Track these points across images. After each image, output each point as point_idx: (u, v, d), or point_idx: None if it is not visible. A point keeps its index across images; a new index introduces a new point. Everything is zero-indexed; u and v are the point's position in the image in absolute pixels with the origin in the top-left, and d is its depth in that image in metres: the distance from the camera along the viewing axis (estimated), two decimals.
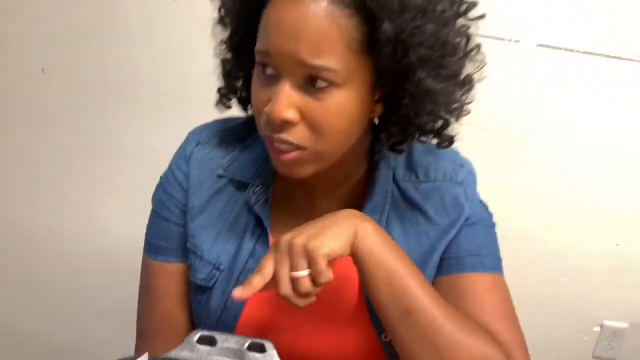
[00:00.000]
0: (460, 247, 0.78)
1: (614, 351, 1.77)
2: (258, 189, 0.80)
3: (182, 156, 0.84)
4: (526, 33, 1.45)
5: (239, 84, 0.82)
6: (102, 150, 1.55)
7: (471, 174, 0.84)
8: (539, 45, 1.46)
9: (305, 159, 0.70)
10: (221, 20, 0.79)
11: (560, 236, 1.64)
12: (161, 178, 0.88)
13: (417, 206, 0.79)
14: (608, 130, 1.53)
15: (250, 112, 0.84)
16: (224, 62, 0.82)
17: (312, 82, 0.66)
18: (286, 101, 0.66)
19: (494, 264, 0.79)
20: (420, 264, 0.77)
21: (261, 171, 0.82)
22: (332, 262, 0.67)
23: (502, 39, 1.46)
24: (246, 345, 0.70)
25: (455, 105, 0.73)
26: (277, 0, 0.66)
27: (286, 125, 0.67)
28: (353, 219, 0.70)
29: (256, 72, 0.71)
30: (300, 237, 0.66)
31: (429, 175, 0.81)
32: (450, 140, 0.76)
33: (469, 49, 0.71)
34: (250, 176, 0.82)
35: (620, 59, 1.46)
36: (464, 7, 0.69)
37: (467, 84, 0.72)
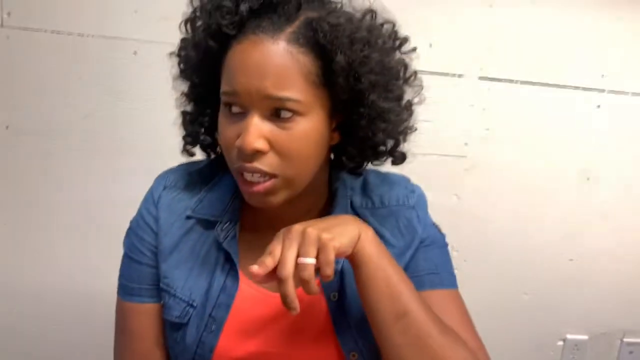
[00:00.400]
0: (418, 267, 0.84)
1: None
2: (225, 225, 0.85)
3: (150, 200, 0.88)
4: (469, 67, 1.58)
5: (201, 131, 0.88)
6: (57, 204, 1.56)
7: (421, 198, 0.91)
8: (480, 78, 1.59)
9: (277, 186, 0.75)
10: (181, 74, 0.85)
11: (518, 254, 1.72)
12: (131, 222, 0.91)
13: (378, 232, 0.83)
14: (550, 148, 1.66)
15: (212, 156, 0.91)
16: (184, 113, 0.88)
17: (277, 114, 0.72)
18: (255, 132, 0.72)
19: (450, 280, 0.86)
20: None
21: (227, 208, 0.86)
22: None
23: (447, 74, 1.58)
24: None
25: (403, 126, 0.82)
26: (238, 46, 0.73)
27: (257, 154, 0.73)
28: (357, 222, 0.76)
29: (222, 113, 0.77)
30: (312, 227, 0.71)
31: (384, 202, 0.87)
32: (403, 157, 0.85)
33: (407, 75, 0.81)
34: (217, 214, 0.86)
35: (556, 85, 1.61)
36: (398, 41, 0.80)
37: (409, 107, 0.82)
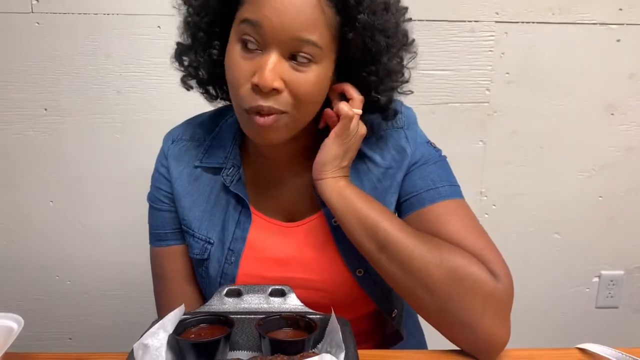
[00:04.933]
0: (416, 186, 0.88)
1: (614, 299, 1.87)
2: (230, 170, 0.92)
3: (162, 155, 0.97)
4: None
5: (199, 66, 0.88)
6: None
7: (410, 119, 0.93)
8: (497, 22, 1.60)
9: (282, 123, 0.79)
10: (190, 15, 0.86)
11: (546, 195, 1.75)
12: (151, 178, 1.00)
13: (366, 156, 0.90)
14: (572, 86, 1.66)
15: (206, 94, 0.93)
16: (186, 44, 0.89)
17: (293, 57, 0.76)
18: (274, 70, 0.75)
19: (450, 191, 0.88)
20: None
21: (229, 155, 0.93)
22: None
23: (463, 21, 1.59)
24: (268, 291, 0.81)
25: (403, 85, 0.87)
26: None
27: (272, 92, 0.76)
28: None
29: (234, 49, 0.78)
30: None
31: (374, 129, 0.91)
32: (395, 113, 0.89)
33: (409, 41, 0.86)
34: (222, 161, 0.93)
35: (574, 23, 1.61)
36: (403, 10, 0.85)
37: (407, 69, 0.87)
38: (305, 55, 0.76)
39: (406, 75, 0.86)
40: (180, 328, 0.73)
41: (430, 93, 1.62)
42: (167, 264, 0.96)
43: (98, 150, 1.64)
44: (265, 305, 0.79)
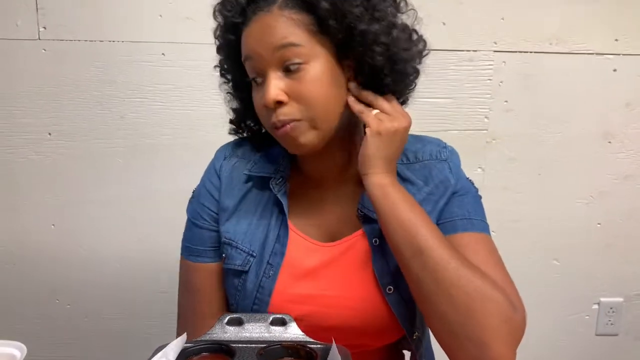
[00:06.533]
0: (452, 213, 0.91)
1: (614, 327, 1.87)
2: (278, 181, 0.96)
3: (213, 171, 0.99)
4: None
5: (249, 122, 1.01)
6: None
7: (453, 154, 0.98)
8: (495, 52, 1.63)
9: (303, 128, 0.85)
10: (222, 76, 0.99)
11: (545, 222, 1.76)
12: (194, 192, 1.03)
13: (409, 181, 0.93)
14: (569, 114, 1.68)
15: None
16: (234, 110, 1.01)
17: (287, 69, 0.83)
18: (274, 87, 0.83)
19: (482, 226, 0.91)
20: None
21: (279, 167, 0.97)
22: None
23: (462, 50, 1.62)
24: (269, 320, 0.81)
25: (410, 53, 0.89)
26: (245, 30, 0.86)
27: (279, 105, 0.84)
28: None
29: (253, 90, 0.89)
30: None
31: (417, 157, 0.95)
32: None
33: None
34: (271, 172, 0.96)
35: (571, 53, 1.63)
36: None
37: (408, 30, 0.90)
38: (293, 60, 0.82)
39: (396, 34, 0.87)
40: (182, 357, 0.74)
41: (430, 121, 1.65)
42: (198, 279, 0.98)
43: (101, 174, 1.65)
44: (267, 334, 0.80)
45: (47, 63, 1.58)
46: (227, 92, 1.01)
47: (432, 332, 0.83)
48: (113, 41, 1.57)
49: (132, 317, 1.74)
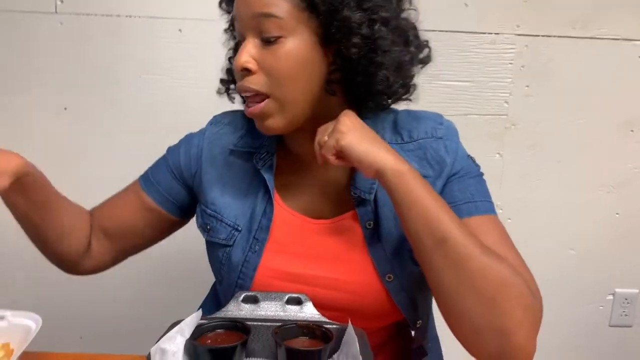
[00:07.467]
0: (454, 197, 0.87)
1: (629, 318, 1.85)
2: (263, 155, 0.94)
3: (202, 134, 1.00)
4: None
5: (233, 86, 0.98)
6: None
7: (450, 130, 0.92)
8: (517, 35, 1.60)
9: (271, 108, 0.83)
10: (230, 32, 0.97)
11: (562, 210, 1.74)
12: (187, 136, 1.03)
13: None
14: (591, 101, 1.65)
15: None
16: (227, 71, 0.99)
17: (267, 41, 0.81)
18: (245, 52, 0.82)
19: (487, 207, 0.88)
20: None
21: (265, 142, 0.95)
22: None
23: (484, 33, 1.59)
24: (285, 299, 0.81)
25: (395, 48, 0.84)
26: None
27: (247, 73, 0.82)
28: (388, 153, 0.80)
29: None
30: (343, 129, 0.80)
31: (412, 136, 0.91)
32: (406, 90, 0.90)
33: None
34: (256, 146, 0.95)
35: (595, 38, 1.60)
36: None
37: (401, 28, 0.86)
38: (272, 32, 0.80)
39: (382, 31, 0.82)
40: (197, 333, 0.73)
41: (449, 104, 1.62)
42: (131, 197, 1.02)
43: (115, 151, 1.65)
44: (282, 313, 0.79)
45: (64, 37, 1.57)
46: (229, 49, 0.99)
47: (448, 324, 0.78)
48: (130, 16, 1.55)
49: (144, 296, 1.75)
